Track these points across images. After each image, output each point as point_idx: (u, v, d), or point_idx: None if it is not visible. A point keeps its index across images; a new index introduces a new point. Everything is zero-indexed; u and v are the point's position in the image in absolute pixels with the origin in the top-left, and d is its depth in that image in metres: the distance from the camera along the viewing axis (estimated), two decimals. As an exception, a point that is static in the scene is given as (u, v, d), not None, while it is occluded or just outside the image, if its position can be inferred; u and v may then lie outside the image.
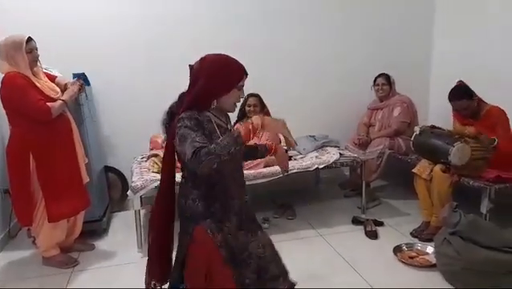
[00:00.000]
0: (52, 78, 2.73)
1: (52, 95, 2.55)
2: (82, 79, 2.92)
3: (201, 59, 1.61)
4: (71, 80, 2.82)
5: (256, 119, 1.53)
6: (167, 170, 1.65)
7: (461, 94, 2.89)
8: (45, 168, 2.53)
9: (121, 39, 3.62)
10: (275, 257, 1.73)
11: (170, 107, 1.69)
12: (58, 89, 2.64)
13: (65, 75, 2.89)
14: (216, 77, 1.54)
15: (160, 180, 1.69)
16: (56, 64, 2.95)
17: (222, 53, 1.63)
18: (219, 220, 1.57)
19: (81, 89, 2.81)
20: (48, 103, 2.47)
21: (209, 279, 1.51)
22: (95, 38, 3.56)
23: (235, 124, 3.57)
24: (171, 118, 1.62)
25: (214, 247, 1.52)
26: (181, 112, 1.52)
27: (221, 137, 1.45)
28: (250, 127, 1.48)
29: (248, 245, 1.63)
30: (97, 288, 2.49)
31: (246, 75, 1.60)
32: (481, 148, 2.78)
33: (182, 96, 1.65)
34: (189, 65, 1.65)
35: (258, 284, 1.61)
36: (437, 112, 4.24)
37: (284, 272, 1.73)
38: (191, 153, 1.38)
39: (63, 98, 2.59)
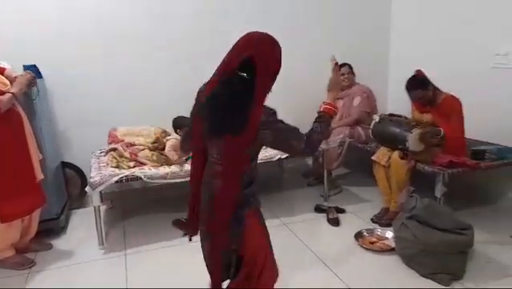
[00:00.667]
0: (1, 70, 2.58)
1: (1, 88, 2.41)
2: (33, 71, 2.79)
3: (261, 39, 1.45)
4: (21, 73, 2.68)
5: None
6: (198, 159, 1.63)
7: (416, 84, 2.98)
8: (-6, 165, 2.40)
9: (73, 29, 3.48)
10: None
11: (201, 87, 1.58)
12: (7, 81, 2.50)
13: (15, 68, 2.74)
14: (279, 61, 1.48)
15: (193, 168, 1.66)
16: (5, 56, 2.79)
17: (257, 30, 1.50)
18: (256, 205, 1.64)
19: (32, 82, 2.67)
20: (-4, 97, 2.34)
21: (261, 263, 1.62)
22: (46, 27, 3.40)
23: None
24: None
25: (264, 228, 1.65)
26: (255, 112, 1.41)
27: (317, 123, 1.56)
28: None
29: None
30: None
31: None
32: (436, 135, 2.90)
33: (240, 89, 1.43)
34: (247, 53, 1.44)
35: None
36: (396, 101, 4.37)
37: None
38: (304, 143, 1.47)
39: (12, 91, 2.46)
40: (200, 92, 1.59)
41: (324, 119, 1.61)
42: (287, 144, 1.51)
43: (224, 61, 1.49)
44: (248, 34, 1.48)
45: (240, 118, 1.40)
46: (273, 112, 1.48)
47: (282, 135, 1.48)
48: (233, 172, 1.50)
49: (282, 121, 1.49)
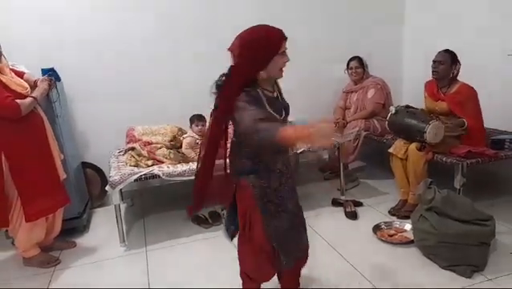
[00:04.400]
0: (20, 74, 2.65)
1: (20, 91, 2.47)
2: (51, 74, 2.85)
3: (238, 37, 1.66)
4: (41, 77, 2.74)
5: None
6: (214, 136, 1.77)
7: (448, 51, 2.96)
8: (18, 167, 2.47)
9: (89, 32, 3.53)
10: (305, 229, 1.99)
11: (218, 81, 1.74)
12: (26, 84, 2.56)
13: (33, 72, 2.80)
14: (256, 49, 1.61)
15: (208, 143, 1.79)
16: (23, 60, 2.86)
17: (257, 24, 1.67)
18: (260, 177, 1.76)
19: (51, 85, 2.74)
20: (17, 100, 2.40)
21: (248, 221, 1.82)
22: (63, 32, 3.46)
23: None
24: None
25: (251, 197, 1.77)
26: (229, 92, 1.64)
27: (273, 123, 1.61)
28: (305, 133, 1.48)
29: (286, 201, 1.84)
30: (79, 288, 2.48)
31: (285, 38, 1.65)
32: (454, 126, 2.86)
33: (226, 75, 1.69)
34: (228, 49, 1.69)
35: (285, 236, 1.83)
36: (411, 93, 4.33)
37: (307, 247, 1.99)
38: (250, 122, 1.55)
39: (33, 95, 2.52)
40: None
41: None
42: (241, 119, 1.61)
43: (255, 60, 1.67)
44: (271, 31, 1.66)
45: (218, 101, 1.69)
46: (245, 94, 1.64)
47: (239, 111, 1.62)
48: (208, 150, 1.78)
49: (246, 101, 1.62)
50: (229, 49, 1.68)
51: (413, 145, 2.96)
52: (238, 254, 1.98)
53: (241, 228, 1.88)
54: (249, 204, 1.79)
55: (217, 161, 1.80)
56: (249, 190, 1.77)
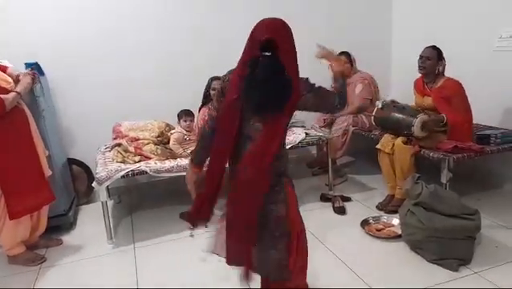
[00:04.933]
0: (3, 69, 2.59)
1: (3, 86, 2.42)
2: (35, 68, 2.79)
3: (266, 23, 1.62)
4: (24, 71, 2.68)
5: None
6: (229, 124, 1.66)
7: (433, 47, 2.99)
8: (2, 163, 2.42)
9: (74, 26, 3.48)
10: None
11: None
12: (9, 79, 2.51)
13: (16, 66, 2.74)
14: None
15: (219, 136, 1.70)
16: (6, 55, 2.80)
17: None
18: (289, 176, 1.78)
19: (35, 79, 2.68)
20: (1, 96, 2.35)
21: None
22: (47, 25, 3.40)
23: (200, 108, 3.54)
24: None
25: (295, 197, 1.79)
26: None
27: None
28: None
29: None
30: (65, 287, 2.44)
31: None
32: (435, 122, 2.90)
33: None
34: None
35: None
36: (399, 88, 4.36)
37: None
38: (336, 98, 1.70)
39: (17, 90, 2.47)
40: (225, 81, 1.68)
41: (339, 78, 1.79)
42: (326, 101, 1.71)
43: (245, 49, 1.62)
44: (261, 22, 1.61)
45: (283, 92, 1.58)
46: (307, 78, 1.70)
47: (321, 94, 1.70)
48: (274, 145, 1.62)
49: (315, 84, 1.70)
50: (268, 35, 1.55)
51: (399, 140, 2.98)
52: (303, 257, 1.82)
53: (300, 230, 1.79)
54: (295, 203, 1.78)
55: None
56: (292, 190, 1.77)
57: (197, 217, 1.85)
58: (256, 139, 1.63)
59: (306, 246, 1.85)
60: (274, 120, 1.62)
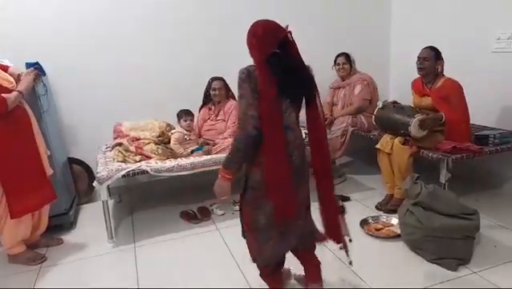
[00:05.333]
0: (4, 68, 2.59)
1: (5, 85, 2.43)
2: (36, 68, 2.80)
3: (273, 25, 1.75)
4: (25, 71, 2.69)
5: None
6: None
7: (431, 47, 3.00)
8: (3, 162, 2.43)
9: (75, 25, 3.47)
10: None
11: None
12: (11, 79, 2.52)
13: (18, 66, 2.75)
14: None
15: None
16: (7, 54, 2.80)
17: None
18: None
19: (36, 79, 2.69)
20: (3, 95, 2.36)
21: None
22: (48, 25, 3.40)
23: (200, 108, 3.56)
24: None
25: None
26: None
27: None
28: None
29: None
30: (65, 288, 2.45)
31: None
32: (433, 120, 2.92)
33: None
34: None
35: None
36: (398, 89, 4.39)
37: None
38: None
39: (19, 89, 2.48)
40: (250, 78, 1.67)
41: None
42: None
43: (260, 50, 1.69)
44: (267, 24, 1.73)
45: (311, 79, 1.81)
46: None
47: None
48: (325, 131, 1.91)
49: None
50: (283, 34, 1.72)
51: (397, 139, 3.00)
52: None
53: None
54: None
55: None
56: None
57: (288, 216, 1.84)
58: (295, 129, 1.81)
59: None
60: (311, 106, 1.81)
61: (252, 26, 1.74)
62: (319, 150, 1.88)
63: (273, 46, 1.66)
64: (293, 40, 1.72)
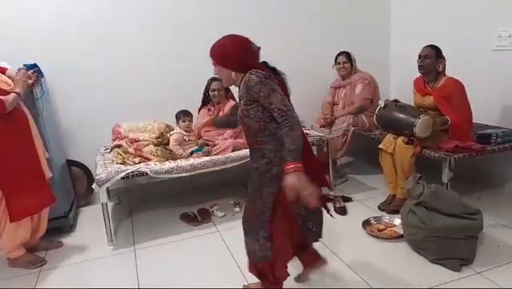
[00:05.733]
0: (2, 70, 2.58)
1: (3, 87, 2.41)
2: (34, 70, 2.78)
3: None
4: (18, 71, 2.66)
5: None
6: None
7: (432, 46, 2.99)
8: (2, 165, 2.41)
9: (73, 27, 3.46)
10: None
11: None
12: (9, 81, 2.50)
13: (16, 68, 2.73)
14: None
15: None
16: (5, 56, 2.79)
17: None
18: None
19: (36, 81, 2.67)
20: (1, 97, 2.34)
21: None
22: (46, 26, 3.38)
23: (199, 109, 3.54)
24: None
25: None
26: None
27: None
28: None
29: None
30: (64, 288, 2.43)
31: None
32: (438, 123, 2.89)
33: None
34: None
35: None
36: (398, 88, 4.36)
37: None
38: None
39: (16, 90, 2.46)
40: (267, 78, 1.72)
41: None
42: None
43: (254, 58, 1.79)
44: (242, 37, 1.81)
45: None
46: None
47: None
48: None
49: None
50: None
51: (400, 139, 2.97)
52: None
53: None
54: None
55: None
56: None
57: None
58: None
59: None
60: None
61: (231, 40, 1.79)
62: None
63: (258, 56, 1.81)
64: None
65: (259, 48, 1.81)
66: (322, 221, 2.03)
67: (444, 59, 2.98)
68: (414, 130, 2.81)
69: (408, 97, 3.31)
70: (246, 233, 1.95)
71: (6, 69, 2.61)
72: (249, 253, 1.93)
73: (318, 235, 2.02)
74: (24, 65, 2.88)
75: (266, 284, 2.00)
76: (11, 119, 2.43)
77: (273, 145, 1.76)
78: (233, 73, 1.79)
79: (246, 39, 1.79)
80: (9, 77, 2.54)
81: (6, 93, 2.40)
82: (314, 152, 4.16)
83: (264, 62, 1.84)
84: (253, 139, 1.82)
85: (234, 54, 1.76)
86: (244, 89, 1.75)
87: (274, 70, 1.86)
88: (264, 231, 1.84)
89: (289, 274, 2.01)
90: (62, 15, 3.43)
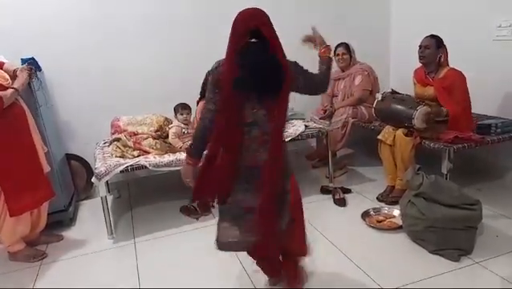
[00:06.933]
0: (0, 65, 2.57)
1: (1, 82, 2.40)
2: (31, 63, 2.77)
3: (249, 13, 1.71)
4: (20, 66, 2.66)
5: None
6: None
7: (433, 36, 2.97)
8: (0, 160, 2.40)
9: (71, 20, 3.45)
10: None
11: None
12: (7, 76, 2.49)
13: (13, 62, 2.72)
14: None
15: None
16: (1, 50, 2.77)
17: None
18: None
19: (32, 75, 2.66)
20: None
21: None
22: (43, 19, 3.36)
23: (198, 101, 3.52)
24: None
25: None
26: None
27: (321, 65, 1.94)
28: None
29: None
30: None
31: None
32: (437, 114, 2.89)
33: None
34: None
35: None
36: (398, 79, 4.34)
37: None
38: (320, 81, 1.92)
39: (14, 86, 2.45)
40: (213, 72, 1.72)
41: (325, 60, 1.94)
42: (314, 84, 1.86)
43: (232, 40, 1.66)
44: (244, 12, 1.69)
45: (278, 74, 1.65)
46: (295, 61, 1.79)
47: (309, 76, 1.83)
48: (281, 130, 1.76)
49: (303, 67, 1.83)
50: (254, 24, 1.65)
51: (400, 131, 2.97)
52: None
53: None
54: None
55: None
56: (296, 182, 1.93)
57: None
58: (262, 125, 1.69)
59: None
60: (275, 104, 1.68)
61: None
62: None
63: (243, 36, 1.64)
64: (270, 34, 1.65)
65: (253, 25, 1.64)
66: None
67: (446, 49, 2.96)
68: (413, 122, 2.80)
69: (408, 88, 3.30)
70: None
71: (3, 63, 2.59)
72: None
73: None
74: (21, 59, 2.87)
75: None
76: (9, 114, 2.42)
77: None
78: None
79: (240, 13, 1.70)
80: (6, 71, 2.53)
81: (4, 88, 2.39)
82: (314, 144, 4.22)
83: (246, 43, 1.66)
84: None
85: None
86: None
87: (249, 57, 1.64)
88: None
89: None
90: (60, 9, 3.41)
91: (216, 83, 1.71)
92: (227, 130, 1.69)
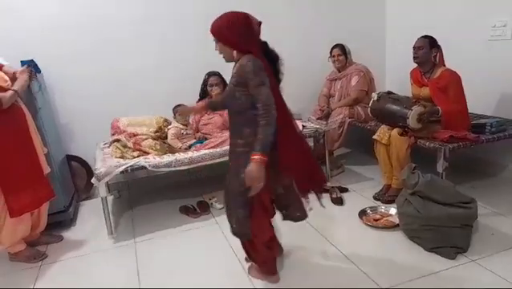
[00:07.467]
0: (-1, 67, 2.59)
1: (1, 84, 2.42)
2: (31, 66, 2.78)
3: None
4: (20, 68, 2.68)
5: None
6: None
7: (427, 36, 3.01)
8: (0, 162, 2.42)
9: (70, 22, 3.45)
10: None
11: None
12: (6, 78, 2.50)
13: (12, 64, 2.73)
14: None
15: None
16: (1, 53, 2.78)
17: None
18: None
19: (31, 77, 2.68)
20: (-1, 94, 2.35)
21: None
22: (42, 22, 3.37)
23: (197, 102, 3.55)
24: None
25: None
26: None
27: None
28: None
29: None
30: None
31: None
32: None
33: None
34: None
35: None
36: (394, 79, 4.38)
37: None
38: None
39: (14, 88, 2.47)
40: (255, 61, 1.79)
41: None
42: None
43: (251, 39, 1.82)
44: (248, 14, 1.84)
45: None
46: None
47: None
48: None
49: None
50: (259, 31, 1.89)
51: (395, 131, 3.00)
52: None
53: None
54: None
55: None
56: None
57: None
58: None
59: None
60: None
61: (232, 17, 1.81)
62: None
63: (259, 36, 1.84)
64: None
65: (260, 23, 1.84)
66: (299, 201, 2.13)
67: (441, 49, 3.00)
68: (407, 122, 2.84)
69: (403, 89, 3.34)
70: (226, 205, 2.05)
71: (2, 65, 2.61)
72: (230, 226, 2.05)
73: (301, 215, 2.18)
74: (21, 61, 2.89)
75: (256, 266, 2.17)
76: (9, 115, 2.44)
77: (251, 130, 1.80)
78: (235, 52, 1.83)
79: (245, 16, 1.81)
80: (5, 73, 2.55)
81: (3, 90, 2.41)
82: (311, 144, 4.24)
83: (265, 42, 1.89)
84: (233, 116, 1.94)
85: (234, 32, 1.79)
86: (237, 71, 1.81)
87: (272, 53, 1.89)
88: (244, 211, 1.93)
89: (275, 255, 2.19)
90: (59, 11, 3.42)
91: (263, 72, 1.77)
92: (286, 118, 1.87)
